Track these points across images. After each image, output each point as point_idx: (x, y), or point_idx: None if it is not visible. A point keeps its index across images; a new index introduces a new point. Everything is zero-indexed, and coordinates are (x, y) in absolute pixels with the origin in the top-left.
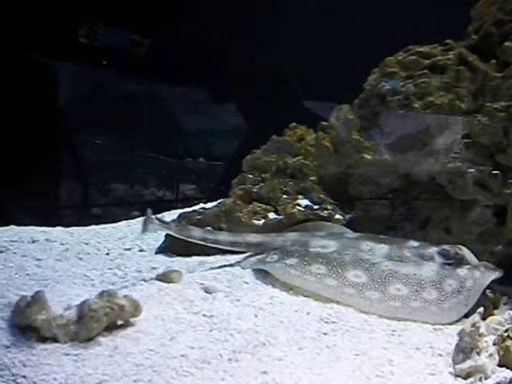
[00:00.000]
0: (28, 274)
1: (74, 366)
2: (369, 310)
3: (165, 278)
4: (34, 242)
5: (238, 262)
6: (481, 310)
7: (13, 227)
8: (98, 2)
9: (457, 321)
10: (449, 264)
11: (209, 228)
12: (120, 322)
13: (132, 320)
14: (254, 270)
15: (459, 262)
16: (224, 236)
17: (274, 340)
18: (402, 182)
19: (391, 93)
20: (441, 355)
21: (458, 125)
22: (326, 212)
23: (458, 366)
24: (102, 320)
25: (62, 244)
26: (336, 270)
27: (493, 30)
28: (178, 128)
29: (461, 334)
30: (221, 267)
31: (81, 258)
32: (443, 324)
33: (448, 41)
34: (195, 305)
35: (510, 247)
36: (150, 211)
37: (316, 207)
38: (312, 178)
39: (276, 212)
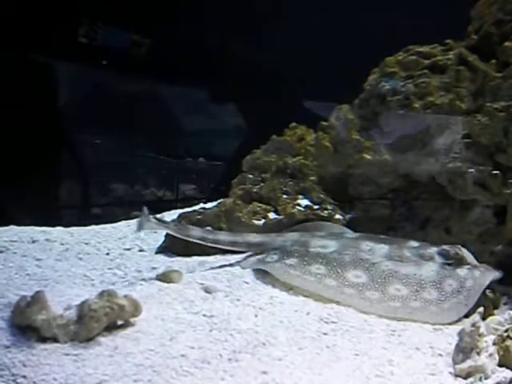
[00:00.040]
0: (28, 274)
1: (73, 365)
2: (369, 310)
3: (165, 277)
4: (34, 241)
5: (237, 262)
6: (481, 309)
7: (13, 227)
8: (98, 2)
9: (457, 321)
10: (449, 264)
11: (208, 228)
12: (120, 322)
13: (132, 320)
14: (253, 269)
15: (459, 262)
16: (223, 236)
17: (273, 340)
18: (401, 182)
19: (391, 93)
20: (441, 355)
21: (458, 125)
22: (325, 212)
23: (457, 366)
24: (101, 320)
25: (62, 244)
26: (336, 270)
27: (493, 29)
28: (178, 128)
29: (461, 333)
30: (221, 267)
31: (81, 258)
32: (443, 324)
33: (448, 41)
34: (195, 305)
35: (510, 247)
36: (146, 209)
37: (316, 207)
38: (312, 178)
39: (276, 212)
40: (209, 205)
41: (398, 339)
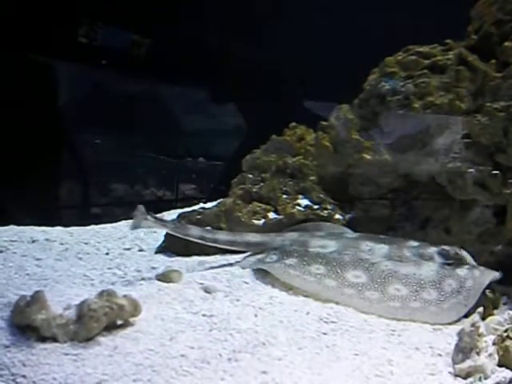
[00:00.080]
0: (28, 274)
1: (73, 365)
2: (368, 310)
3: (164, 277)
4: (33, 241)
5: (237, 262)
6: (480, 309)
7: (12, 227)
8: (98, 2)
9: (456, 321)
10: (448, 264)
11: (208, 227)
12: (119, 322)
13: (131, 320)
14: (253, 269)
15: (459, 262)
16: (222, 235)
17: (273, 340)
18: (401, 182)
19: (391, 93)
20: (440, 355)
21: (458, 125)
22: (325, 212)
23: (457, 366)
24: (101, 320)
25: (62, 244)
26: (335, 270)
27: (493, 29)
28: (178, 128)
29: (460, 333)
30: (220, 267)
31: (80, 258)
32: (443, 324)
33: (448, 41)
34: (195, 304)
35: (509, 247)
36: (142, 207)
37: (316, 207)
38: (312, 177)
39: (276, 212)
40: (208, 205)
41: (397, 339)
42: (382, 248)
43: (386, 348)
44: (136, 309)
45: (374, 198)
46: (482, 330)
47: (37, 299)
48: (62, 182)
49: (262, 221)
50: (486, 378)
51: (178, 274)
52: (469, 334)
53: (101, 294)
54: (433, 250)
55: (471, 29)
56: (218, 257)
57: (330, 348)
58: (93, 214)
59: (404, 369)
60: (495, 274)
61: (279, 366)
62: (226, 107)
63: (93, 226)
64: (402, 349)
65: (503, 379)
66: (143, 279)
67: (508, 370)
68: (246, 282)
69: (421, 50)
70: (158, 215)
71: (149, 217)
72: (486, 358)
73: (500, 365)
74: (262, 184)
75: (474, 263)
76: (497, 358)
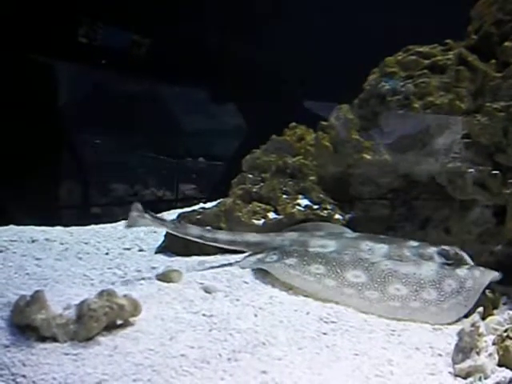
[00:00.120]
0: (27, 274)
1: (73, 365)
2: (368, 310)
3: (164, 277)
4: (33, 241)
5: (237, 262)
6: (480, 309)
7: (12, 227)
8: (98, 2)
9: (456, 321)
10: (448, 264)
11: (208, 227)
12: (119, 322)
13: (131, 319)
14: (253, 269)
15: (459, 262)
16: (222, 234)
17: (273, 340)
18: (401, 182)
19: (391, 93)
20: (440, 355)
21: (458, 125)
22: (325, 212)
23: (457, 366)
24: (101, 319)
25: (62, 244)
26: (335, 270)
27: (493, 29)
28: (178, 128)
29: (460, 333)
30: (220, 267)
31: (80, 258)
32: (443, 324)
33: (448, 41)
34: (195, 304)
35: (509, 247)
36: (138, 205)
37: (316, 207)
38: (312, 177)
39: (276, 212)
40: (208, 204)
41: (397, 339)
42: (382, 248)
43: (386, 348)
44: (136, 308)
45: (374, 198)
46: (481, 329)
47: (37, 299)
48: (62, 182)
49: (262, 221)
50: (486, 378)
51: (178, 273)
52: (469, 334)
53: (101, 294)
54: (433, 249)
55: (471, 29)
56: (218, 257)
57: (330, 348)
58: (93, 213)
59: (404, 369)
60: (495, 275)
61: (279, 366)
62: (225, 107)
63: (93, 226)
64: (402, 349)
65: (503, 379)
66: (143, 279)
67: (508, 370)
68: (246, 282)
69: (421, 49)
70: (158, 215)
71: (146, 215)
72: (486, 357)
73: (500, 365)
74: (261, 184)
75: (472, 263)
76: (497, 357)
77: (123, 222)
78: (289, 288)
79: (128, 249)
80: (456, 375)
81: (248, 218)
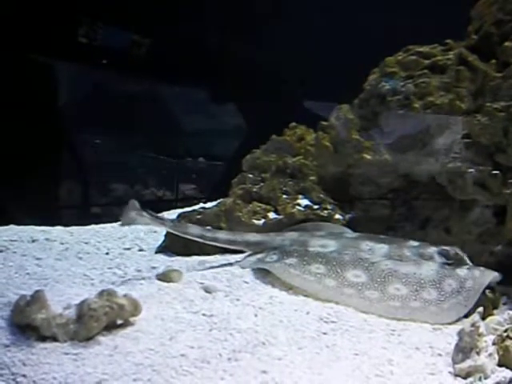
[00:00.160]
0: (28, 274)
1: (73, 365)
2: (368, 310)
3: (164, 277)
4: (33, 241)
5: (237, 262)
6: (480, 309)
7: (12, 227)
8: (98, 2)
9: (456, 320)
10: (448, 264)
11: (208, 227)
12: (120, 322)
13: (132, 319)
14: (253, 269)
15: (459, 262)
16: (222, 234)
17: (273, 339)
18: (401, 182)
19: (391, 93)
20: (440, 355)
21: (458, 125)
22: (325, 212)
23: (457, 366)
24: (101, 319)
25: (62, 243)
26: (335, 270)
27: (493, 29)
28: (178, 128)
29: (460, 333)
30: (220, 267)
31: (80, 258)
32: (443, 324)
33: (448, 41)
34: (195, 304)
35: (509, 247)
36: (136, 203)
37: (316, 207)
38: (312, 177)
39: (276, 212)
40: (209, 204)
41: (397, 339)
42: (382, 247)
43: (386, 348)
44: (136, 308)
45: (374, 198)
46: (481, 329)
47: (37, 299)
48: (62, 182)
49: (262, 221)
50: (485, 378)
51: (178, 273)
52: (469, 334)
53: (101, 294)
54: (433, 249)
55: (471, 29)
56: (218, 256)
57: (330, 348)
58: (93, 213)
59: (404, 368)
60: (495, 275)
61: (279, 366)
62: (225, 107)
63: (93, 226)
64: (402, 348)
65: (503, 379)
66: (143, 279)
67: (508, 370)
68: (246, 282)
69: (421, 49)
70: (158, 215)
71: (144, 213)
72: (486, 357)
73: (500, 364)
74: (262, 184)
75: (470, 263)
76: (497, 357)
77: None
78: (289, 288)
79: (128, 249)
80: (456, 375)
81: (248, 218)
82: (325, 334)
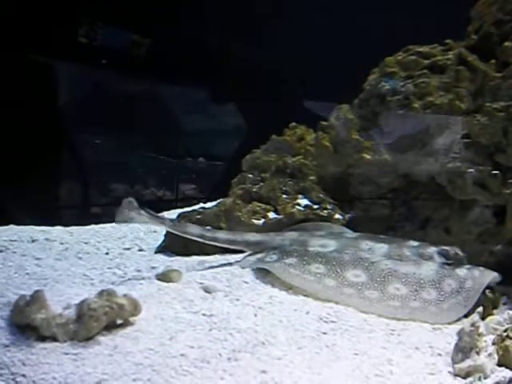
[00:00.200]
0: (27, 273)
1: (73, 365)
2: (368, 310)
3: (164, 277)
4: (33, 241)
5: (237, 262)
6: (480, 309)
7: (12, 226)
8: (98, 2)
9: (456, 320)
10: (448, 264)
11: (208, 227)
12: (119, 321)
13: (131, 319)
14: (253, 269)
15: (459, 262)
16: (222, 234)
17: (273, 339)
18: (401, 182)
19: (391, 93)
20: (440, 355)
21: (458, 125)
22: (325, 212)
23: (457, 366)
24: (101, 319)
25: (62, 243)
26: (335, 270)
27: (493, 29)
28: (178, 128)
29: (460, 333)
30: (220, 267)
31: (80, 258)
32: (442, 324)
33: (448, 41)
34: (195, 304)
35: (509, 247)
36: (133, 200)
37: (315, 207)
38: (312, 177)
39: (276, 211)
40: (208, 204)
41: (397, 339)
42: (382, 247)
43: (386, 347)
44: (136, 308)
45: (374, 198)
46: (481, 329)
47: (36, 298)
48: (62, 182)
49: (262, 220)
50: (485, 378)
51: (178, 273)
52: (468, 334)
53: (101, 294)
54: (432, 249)
55: (471, 29)
56: (217, 256)
57: (330, 347)
58: (93, 213)
59: (404, 368)
60: (495, 275)
61: (279, 366)
62: (226, 107)
63: (93, 226)
64: (401, 348)
65: (503, 379)
66: (143, 279)
67: (507, 370)
68: (246, 282)
69: (421, 49)
70: (159, 215)
71: (143, 212)
72: (486, 357)
73: (499, 364)
74: (261, 184)
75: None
76: (496, 357)
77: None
78: (288, 288)
79: (128, 248)
80: (456, 375)
81: (248, 218)
82: (324, 333)
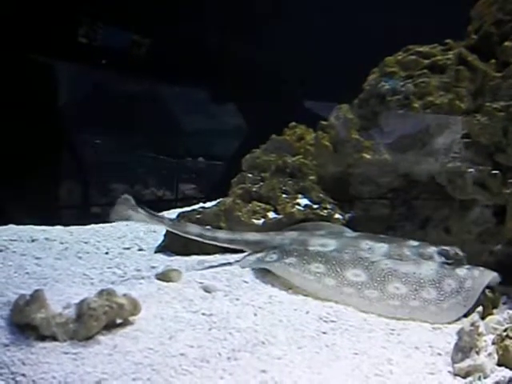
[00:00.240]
0: (27, 273)
1: (73, 364)
2: (368, 309)
3: (164, 276)
4: (33, 240)
5: (237, 261)
6: (480, 309)
7: (12, 226)
8: (98, 2)
9: (456, 320)
10: (448, 264)
11: (207, 227)
12: (119, 321)
13: (131, 319)
14: (253, 269)
15: (459, 262)
16: (222, 233)
17: (273, 339)
18: (401, 182)
19: (391, 92)
20: (440, 354)
21: (458, 125)
22: (325, 211)
23: (457, 365)
24: (101, 319)
25: (62, 243)
26: (335, 269)
27: (493, 29)
28: (178, 128)
29: (460, 333)
30: (220, 266)
31: (80, 257)
32: (442, 323)
33: (448, 41)
34: (194, 304)
35: (509, 247)
36: (131, 198)
37: (315, 206)
38: (311, 177)
39: (275, 211)
40: (208, 204)
41: (397, 338)
42: (382, 247)
43: (386, 347)
44: (135, 308)
45: (374, 198)
46: (481, 329)
47: (36, 298)
48: (62, 182)
49: (262, 220)
50: (485, 378)
51: (178, 273)
52: (468, 334)
53: (100, 293)
54: (432, 249)
55: (471, 29)
56: (217, 256)
57: (330, 347)
58: (93, 213)
59: (403, 368)
60: (495, 276)
61: (279, 365)
62: (226, 107)
63: (92, 226)
64: (401, 348)
65: (502, 378)
66: (143, 278)
67: (507, 370)
68: (246, 282)
69: (421, 49)
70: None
71: (141, 210)
72: (486, 357)
73: (499, 364)
74: (261, 183)
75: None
76: (496, 357)
77: (122, 221)
78: (288, 287)
79: (127, 248)
80: (455, 374)
81: (248, 218)
82: (324, 333)
